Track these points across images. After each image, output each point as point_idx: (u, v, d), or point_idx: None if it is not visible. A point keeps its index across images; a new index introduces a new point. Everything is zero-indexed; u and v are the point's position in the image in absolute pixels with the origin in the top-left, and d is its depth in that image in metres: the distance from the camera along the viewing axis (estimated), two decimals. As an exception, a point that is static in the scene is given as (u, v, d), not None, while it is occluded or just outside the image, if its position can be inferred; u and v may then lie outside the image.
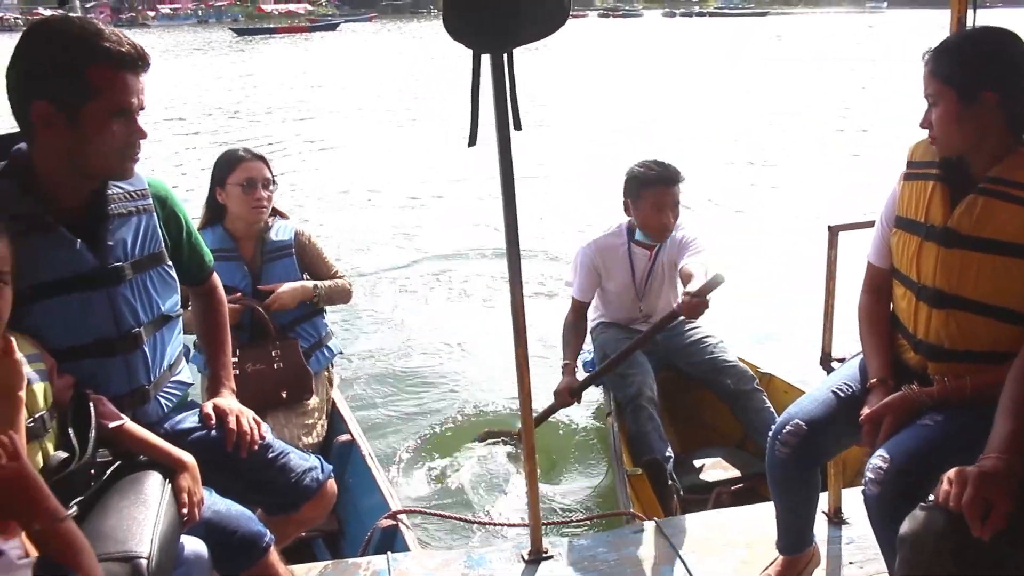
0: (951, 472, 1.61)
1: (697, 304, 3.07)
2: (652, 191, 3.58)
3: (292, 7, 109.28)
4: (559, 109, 18.47)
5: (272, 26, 78.12)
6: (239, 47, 49.92)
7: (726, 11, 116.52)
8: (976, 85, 1.97)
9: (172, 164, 12.49)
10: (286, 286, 3.28)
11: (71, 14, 1.93)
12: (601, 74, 27.52)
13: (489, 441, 4.30)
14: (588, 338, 3.96)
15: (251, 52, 45.02)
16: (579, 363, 3.87)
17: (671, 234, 3.68)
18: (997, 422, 1.72)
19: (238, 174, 3.22)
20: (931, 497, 1.66)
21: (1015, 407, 1.73)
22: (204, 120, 18.35)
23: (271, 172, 3.31)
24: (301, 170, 12.51)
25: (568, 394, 3.61)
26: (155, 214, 2.10)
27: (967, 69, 2.00)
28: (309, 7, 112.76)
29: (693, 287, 3.13)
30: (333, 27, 75.79)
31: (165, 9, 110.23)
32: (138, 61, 1.90)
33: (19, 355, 1.63)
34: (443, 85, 22.26)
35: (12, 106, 1.88)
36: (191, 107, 20.40)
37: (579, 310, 3.85)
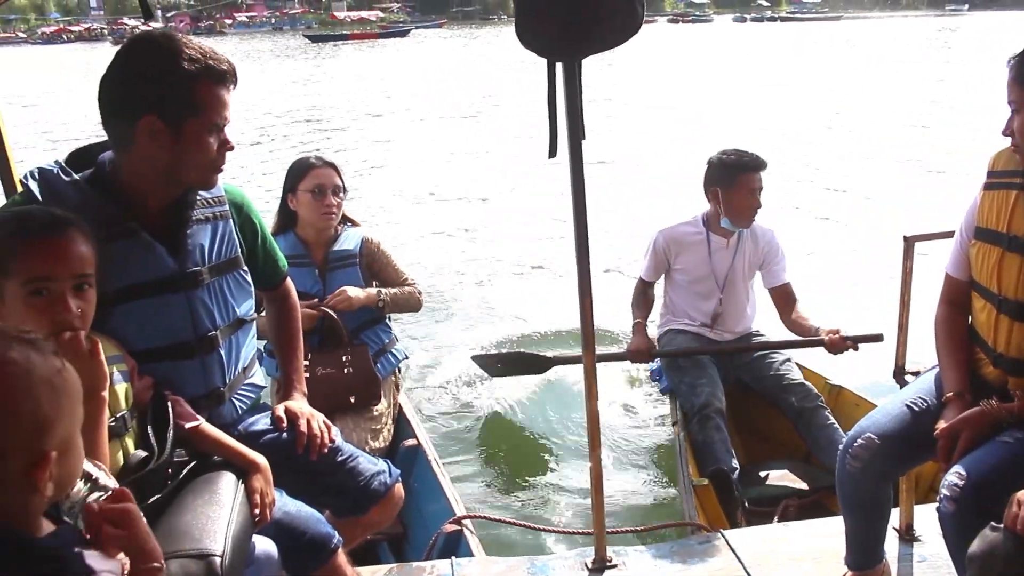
0: (1019, 494, 1.57)
1: (842, 344, 3.52)
2: (747, 176, 3.66)
3: (364, 14, 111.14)
4: (629, 115, 18.40)
5: (345, 32, 79.46)
6: (313, 53, 50.77)
7: (798, 15, 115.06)
8: None
9: (248, 170, 12.72)
10: (352, 289, 3.32)
11: (167, 29, 1.99)
12: (671, 80, 27.30)
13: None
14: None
15: (324, 58, 45.78)
16: (647, 368, 3.87)
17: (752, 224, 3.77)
18: None
19: (308, 181, 3.28)
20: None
21: None
22: (278, 125, 18.71)
23: (341, 179, 3.35)
24: (372, 175, 12.65)
25: (640, 354, 3.77)
26: (231, 220, 2.16)
27: None
28: (380, 14, 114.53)
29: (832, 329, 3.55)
30: (404, 33, 76.86)
31: (242, 17, 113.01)
32: (234, 78, 1.98)
33: (102, 356, 1.69)
34: (512, 92, 22.37)
35: (112, 115, 1.94)
36: (266, 112, 20.82)
37: (645, 288, 3.96)
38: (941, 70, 27.69)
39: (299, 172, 3.33)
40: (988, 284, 2.10)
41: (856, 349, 3.54)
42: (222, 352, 2.10)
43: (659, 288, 4.05)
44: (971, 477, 1.88)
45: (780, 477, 3.48)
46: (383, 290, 3.41)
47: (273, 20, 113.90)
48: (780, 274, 3.85)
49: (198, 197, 2.08)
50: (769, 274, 3.86)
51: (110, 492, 1.41)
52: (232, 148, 2.03)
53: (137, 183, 1.98)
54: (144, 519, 1.33)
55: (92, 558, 1.22)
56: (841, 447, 2.25)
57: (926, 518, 2.62)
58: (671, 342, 3.85)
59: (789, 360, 3.74)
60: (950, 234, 2.34)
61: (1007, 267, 2.04)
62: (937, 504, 1.94)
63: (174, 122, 1.90)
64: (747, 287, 3.85)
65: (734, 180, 3.67)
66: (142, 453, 1.81)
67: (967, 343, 2.23)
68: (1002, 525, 1.60)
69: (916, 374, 2.50)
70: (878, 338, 3.44)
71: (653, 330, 3.98)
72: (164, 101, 1.89)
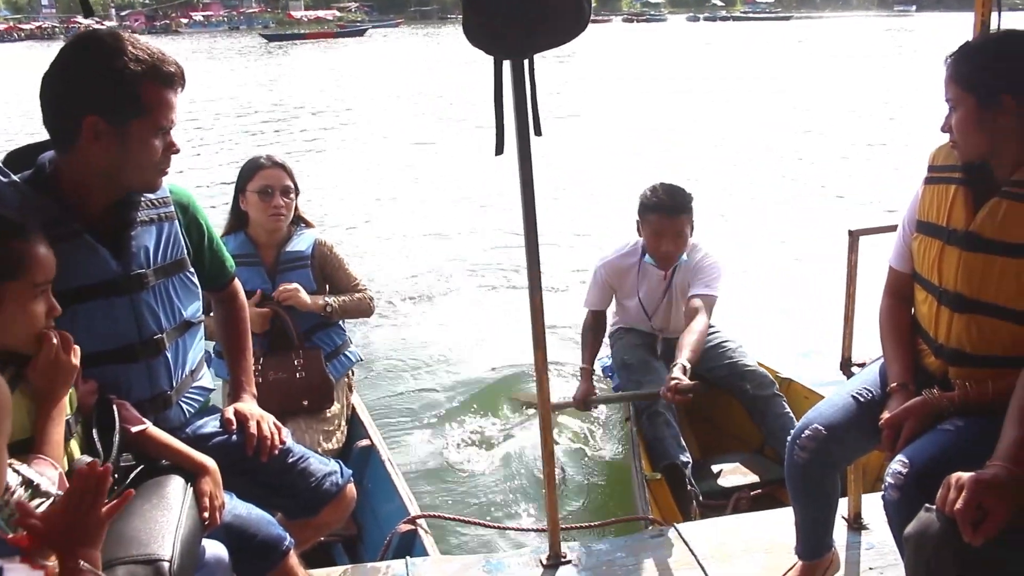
0: (951, 477, 1.62)
1: (681, 397, 3.06)
2: (653, 218, 3.55)
3: (321, 13, 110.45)
4: (578, 114, 18.48)
5: (302, 32, 78.97)
6: (269, 52, 50.26)
7: (751, 15, 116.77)
8: (995, 89, 1.97)
9: (200, 168, 12.56)
10: (302, 291, 3.28)
11: (114, 28, 1.96)
12: (620, 79, 27.48)
13: (525, 409, 4.24)
14: (607, 342, 3.97)
15: (280, 57, 45.36)
16: (597, 367, 3.86)
17: (677, 261, 3.64)
18: (1005, 429, 1.72)
19: (257, 181, 3.25)
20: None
21: (1022, 414, 1.72)
22: (233, 124, 18.49)
23: (293, 180, 3.31)
24: (327, 175, 12.55)
25: (582, 404, 3.66)
26: (177, 221, 2.13)
27: (986, 73, 1.99)
28: (337, 13, 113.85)
29: (680, 360, 3.16)
30: (361, 33, 76.59)
31: (197, 16, 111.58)
32: (182, 81, 1.96)
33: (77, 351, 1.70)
34: (470, 89, 22.34)
35: (54, 116, 1.91)
36: (218, 112, 20.58)
37: (595, 318, 3.88)
38: (887, 67, 28.19)
39: (248, 172, 3.29)
40: (929, 276, 2.15)
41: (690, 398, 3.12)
42: (168, 355, 2.08)
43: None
44: (914, 465, 1.92)
45: (733, 470, 3.51)
46: (330, 299, 3.35)
47: (229, 19, 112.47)
48: (696, 287, 3.61)
49: (142, 198, 2.06)
50: (698, 282, 3.65)
51: (52, 499, 1.39)
52: (177, 151, 2.01)
53: (79, 184, 1.95)
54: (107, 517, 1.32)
55: (14, 572, 1.20)
56: (789, 439, 2.29)
57: (874, 507, 2.67)
58: (621, 339, 3.88)
59: (742, 347, 3.75)
60: (893, 228, 2.38)
61: (947, 259, 2.09)
62: (882, 492, 1.98)
63: (118, 123, 1.87)
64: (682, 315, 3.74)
65: (643, 217, 3.61)
66: (87, 458, 1.78)
67: (911, 335, 2.27)
68: (935, 507, 1.64)
69: (862, 365, 2.54)
70: (698, 388, 3.08)
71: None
72: (109, 101, 1.86)
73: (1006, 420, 1.73)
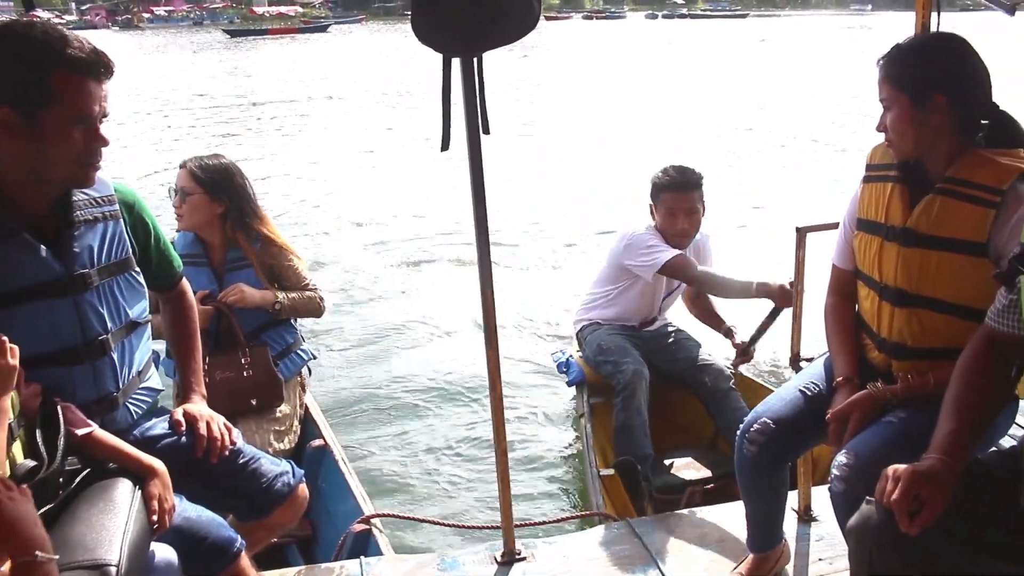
0: (889, 469, 1.65)
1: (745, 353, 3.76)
2: (666, 196, 3.68)
3: (284, 9, 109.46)
4: (529, 111, 18.53)
5: (264, 27, 78.38)
6: (232, 47, 49.64)
7: (709, 12, 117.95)
8: (927, 89, 2.02)
9: (159, 167, 12.38)
10: (247, 287, 3.24)
11: (36, 19, 1.91)
12: (576, 77, 27.57)
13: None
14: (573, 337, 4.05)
15: (243, 52, 44.85)
16: (551, 361, 3.90)
17: (692, 239, 3.77)
18: (940, 421, 1.75)
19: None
20: None
21: (956, 406, 1.76)
22: (191, 119, 18.26)
23: (200, 182, 3.18)
24: (281, 172, 12.44)
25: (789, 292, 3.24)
26: (122, 220, 2.10)
27: (917, 73, 2.04)
28: (300, 9, 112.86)
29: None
30: (324, 28, 76.23)
31: (160, 11, 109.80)
32: (100, 68, 1.88)
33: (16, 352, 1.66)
34: (430, 85, 22.23)
35: None
36: (183, 106, 20.35)
37: (689, 261, 3.67)
38: (834, 68, 28.56)
39: None
40: (871, 273, 2.19)
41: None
42: (114, 356, 2.05)
43: (591, 275, 4.12)
44: (859, 457, 1.96)
45: (686, 465, 3.55)
46: (280, 294, 3.31)
47: (192, 14, 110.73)
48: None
49: (85, 197, 2.02)
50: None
51: None
52: (106, 143, 1.94)
53: (12, 182, 1.90)
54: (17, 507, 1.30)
55: None
56: (739, 433, 2.32)
57: (823, 499, 2.70)
58: (595, 331, 3.86)
59: (701, 345, 3.83)
60: (838, 225, 2.43)
61: (887, 256, 2.13)
62: (828, 484, 2.02)
63: (27, 113, 1.81)
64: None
65: (658, 198, 3.72)
66: (31, 463, 1.74)
67: (855, 330, 2.31)
68: (874, 499, 1.67)
69: (810, 360, 2.58)
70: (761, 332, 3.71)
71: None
72: (15, 91, 1.80)
73: (941, 413, 1.76)
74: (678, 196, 3.66)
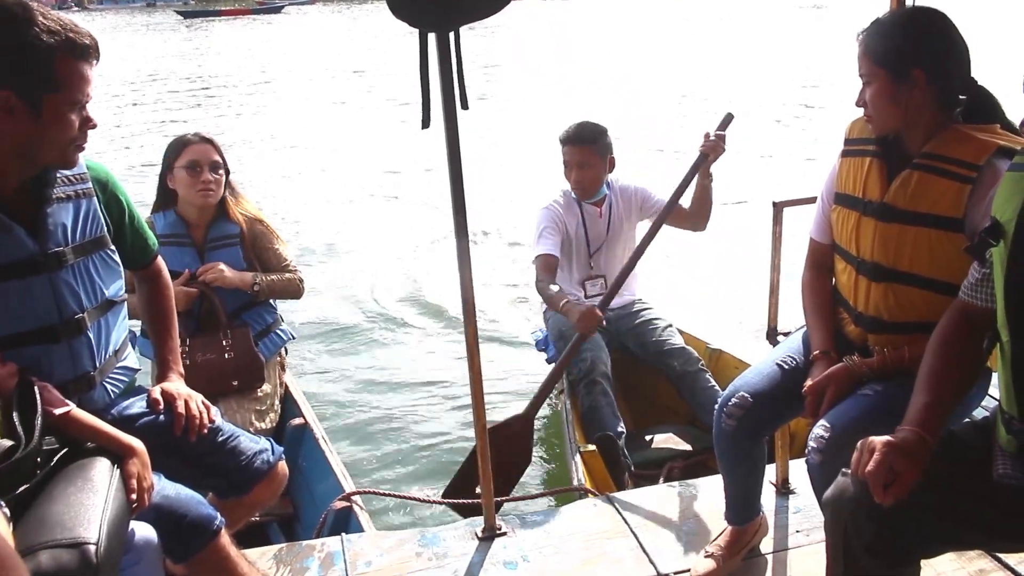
0: (864, 441, 1.66)
1: (718, 144, 3.60)
2: (564, 149, 3.82)
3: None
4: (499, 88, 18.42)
5: (218, 8, 77.36)
6: (185, 29, 48.99)
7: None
8: (906, 64, 2.02)
9: (121, 146, 12.25)
10: (226, 266, 3.23)
11: (28, 2, 1.88)
12: (534, 55, 27.37)
13: None
14: (541, 314, 4.00)
15: (196, 34, 44.25)
16: (531, 339, 3.88)
17: (594, 193, 3.84)
18: (914, 395, 1.77)
19: (184, 157, 3.17)
20: None
21: (930, 379, 1.78)
22: (149, 102, 18.05)
23: (221, 155, 3.24)
24: (255, 151, 12.34)
25: (592, 317, 3.46)
26: (96, 198, 2.08)
27: (897, 48, 2.04)
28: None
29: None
30: (278, 10, 75.31)
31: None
32: (96, 54, 1.91)
33: None
34: (389, 65, 22.11)
35: None
36: (138, 89, 20.07)
37: (550, 266, 3.70)
38: (809, 42, 28.51)
39: (175, 149, 3.21)
40: (848, 247, 2.20)
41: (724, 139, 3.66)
42: (91, 335, 2.04)
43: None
44: (835, 429, 1.98)
45: (665, 440, 3.58)
46: (259, 275, 3.30)
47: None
48: (649, 203, 3.91)
49: (58, 175, 2.00)
50: (652, 208, 3.88)
51: None
52: (94, 126, 1.97)
53: None
54: None
55: None
56: (716, 407, 2.33)
57: (801, 472, 2.73)
58: (553, 316, 3.86)
59: (671, 326, 3.83)
60: (816, 199, 2.44)
61: (864, 230, 2.14)
62: (805, 456, 2.04)
63: (32, 98, 1.82)
64: (625, 253, 3.85)
65: (562, 152, 3.83)
66: (8, 442, 1.73)
67: (831, 304, 2.33)
68: (850, 471, 1.69)
69: (788, 334, 2.60)
70: (730, 116, 3.68)
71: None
72: (21, 76, 1.80)
73: (915, 386, 1.78)
74: (571, 149, 3.79)
